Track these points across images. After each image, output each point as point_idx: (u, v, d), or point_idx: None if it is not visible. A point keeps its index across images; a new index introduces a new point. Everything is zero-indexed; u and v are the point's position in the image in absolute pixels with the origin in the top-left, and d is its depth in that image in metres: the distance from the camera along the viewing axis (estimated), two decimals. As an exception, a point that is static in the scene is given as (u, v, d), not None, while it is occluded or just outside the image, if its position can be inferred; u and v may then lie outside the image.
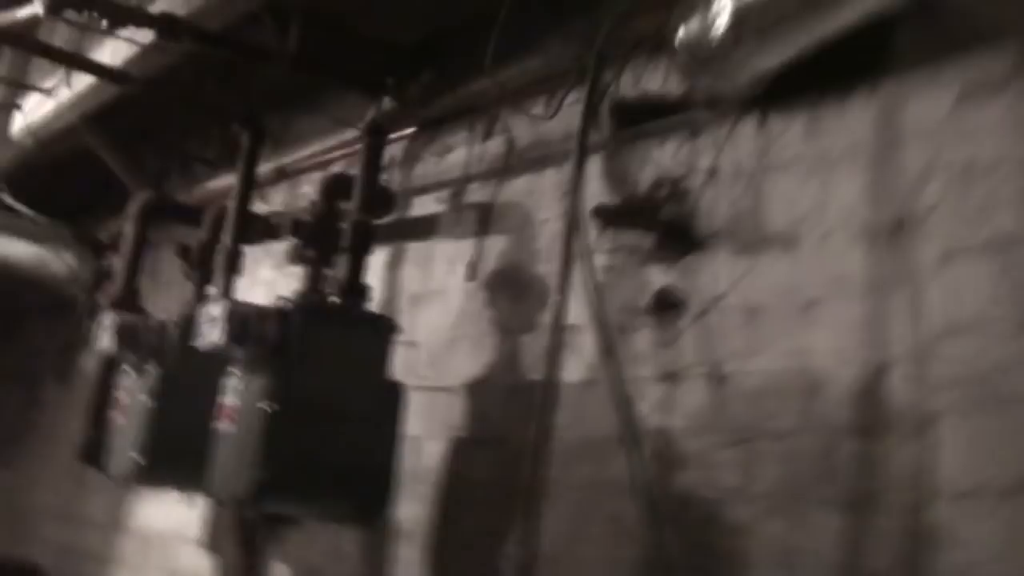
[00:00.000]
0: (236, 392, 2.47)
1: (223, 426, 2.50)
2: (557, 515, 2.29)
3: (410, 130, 3.06)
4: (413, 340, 2.89)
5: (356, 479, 2.42)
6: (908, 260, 1.78)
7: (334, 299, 2.55)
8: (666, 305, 2.24)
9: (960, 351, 1.64)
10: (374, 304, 3.00)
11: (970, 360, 1.62)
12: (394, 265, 3.07)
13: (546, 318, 2.50)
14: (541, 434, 2.15)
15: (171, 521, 3.81)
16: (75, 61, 3.25)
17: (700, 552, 2.02)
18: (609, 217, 2.23)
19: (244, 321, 2.43)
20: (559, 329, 2.20)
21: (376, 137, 2.69)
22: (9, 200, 4.36)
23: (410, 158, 3.11)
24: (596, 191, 2.37)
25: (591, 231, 2.30)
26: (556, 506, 2.30)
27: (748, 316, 2.06)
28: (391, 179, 3.07)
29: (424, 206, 3.03)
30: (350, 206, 2.65)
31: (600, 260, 2.38)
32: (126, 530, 4.10)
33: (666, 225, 2.22)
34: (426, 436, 2.76)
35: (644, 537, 2.11)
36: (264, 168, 3.39)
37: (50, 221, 4.48)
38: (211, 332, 2.46)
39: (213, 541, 3.53)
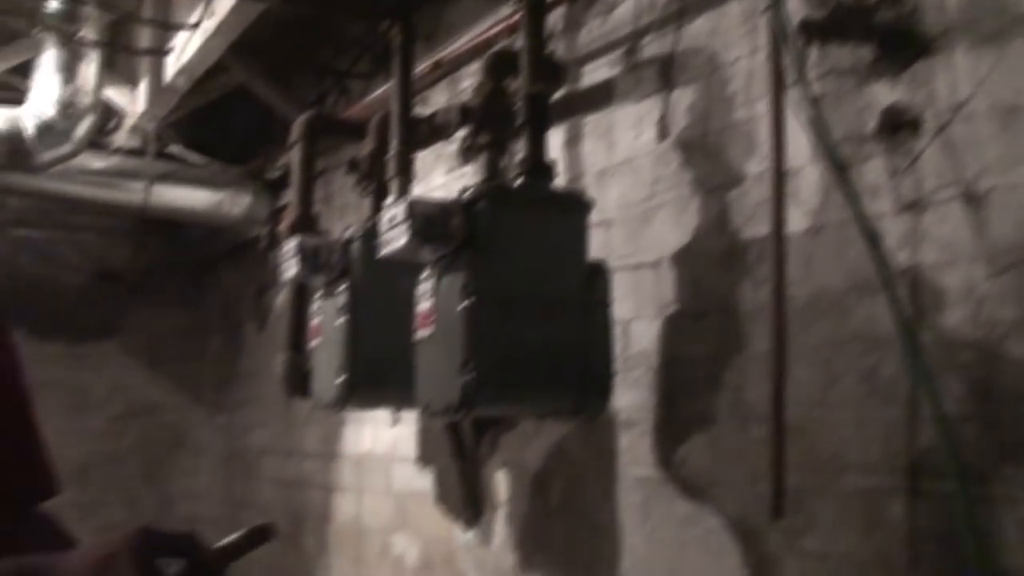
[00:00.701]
0: (431, 295, 2.32)
1: (422, 333, 2.36)
2: (796, 382, 2.05)
3: (568, -6, 2.82)
4: (607, 218, 2.67)
5: (570, 370, 2.24)
6: None
7: (518, 183, 2.34)
8: (897, 125, 1.94)
9: None
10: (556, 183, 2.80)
11: None
12: (573, 143, 2.84)
13: (752, 167, 2.25)
14: (778, 289, 1.89)
15: (382, 443, 3.76)
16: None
17: (978, 398, 1.75)
18: (818, 31, 1.93)
19: (428, 218, 2.26)
20: (780, 172, 1.93)
21: (535, 1, 2.45)
22: (178, 149, 4.34)
23: (572, 25, 2.86)
24: (793, 8, 2.06)
25: (797, 54, 2.01)
26: (793, 372, 2.06)
27: (1003, 119, 1.75)
28: (556, 51, 2.83)
29: (596, 73, 2.78)
30: (518, 82, 2.43)
31: (812, 87, 2.09)
32: (341, 456, 4.10)
33: (884, 31, 1.91)
34: (635, 317, 2.56)
35: (905, 392, 1.85)
36: (420, 68, 3.22)
37: (221, 165, 4.46)
38: (395, 237, 2.30)
39: (426, 456, 3.45)
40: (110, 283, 5.71)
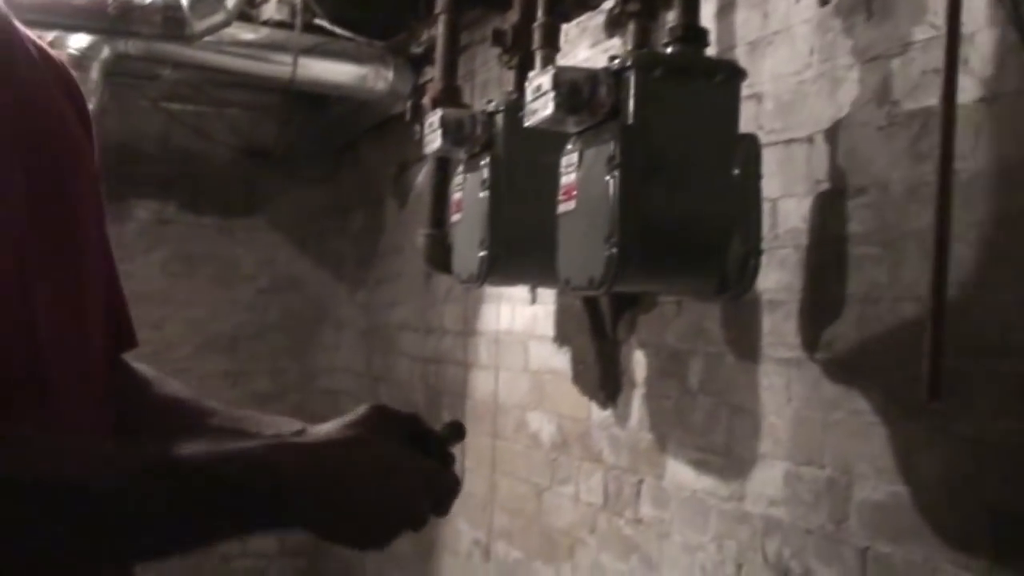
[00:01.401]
0: (576, 168, 2.28)
1: (565, 206, 2.33)
2: (957, 261, 1.95)
3: None
4: (757, 92, 2.57)
5: (717, 247, 2.18)
6: None
7: (668, 51, 2.26)
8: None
9: None
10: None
11: None
12: (724, 12, 2.73)
13: (919, 33, 2.11)
14: (945, 164, 1.79)
15: (520, 321, 3.78)
16: None
17: None
18: None
19: (574, 86, 2.21)
20: (955, 35, 1.80)
21: None
22: (325, 23, 4.35)
23: None
24: None
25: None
26: (958, 252, 1.96)
27: None
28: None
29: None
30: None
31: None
32: (479, 334, 4.15)
33: None
34: (783, 195, 2.47)
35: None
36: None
37: (366, 39, 4.46)
38: (540, 106, 2.26)
39: (564, 335, 3.46)
40: (257, 159, 5.85)
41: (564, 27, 3.12)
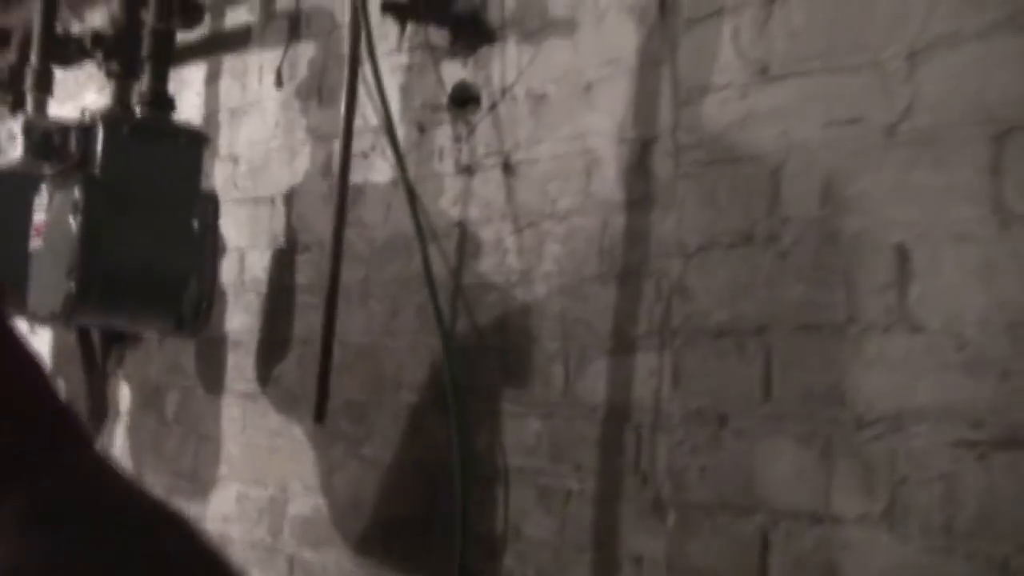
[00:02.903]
0: (45, 208, 2.46)
1: (36, 243, 2.49)
2: (369, 313, 2.37)
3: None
4: (234, 153, 2.89)
5: (173, 290, 2.45)
6: (669, 34, 1.84)
7: (137, 113, 2.51)
8: (463, 100, 2.27)
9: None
10: (194, 117, 2.98)
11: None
12: (212, 80, 3.03)
13: (359, 120, 2.53)
14: (338, 232, 2.19)
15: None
16: None
17: (496, 331, 2.12)
18: (400, 12, 2.23)
19: (45, 135, 2.39)
20: (349, 132, 2.22)
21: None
22: None
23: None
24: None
25: (386, 29, 2.31)
26: (368, 303, 2.38)
27: (534, 104, 2.12)
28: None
29: (237, 17, 2.97)
30: (149, 16, 2.59)
31: (402, 59, 2.40)
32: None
33: (458, 18, 2.23)
34: (249, 247, 2.80)
35: (447, 322, 2.21)
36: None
37: None
38: (13, 149, 2.42)
39: (59, 366, 3.54)
40: None
41: (75, 70, 3.26)
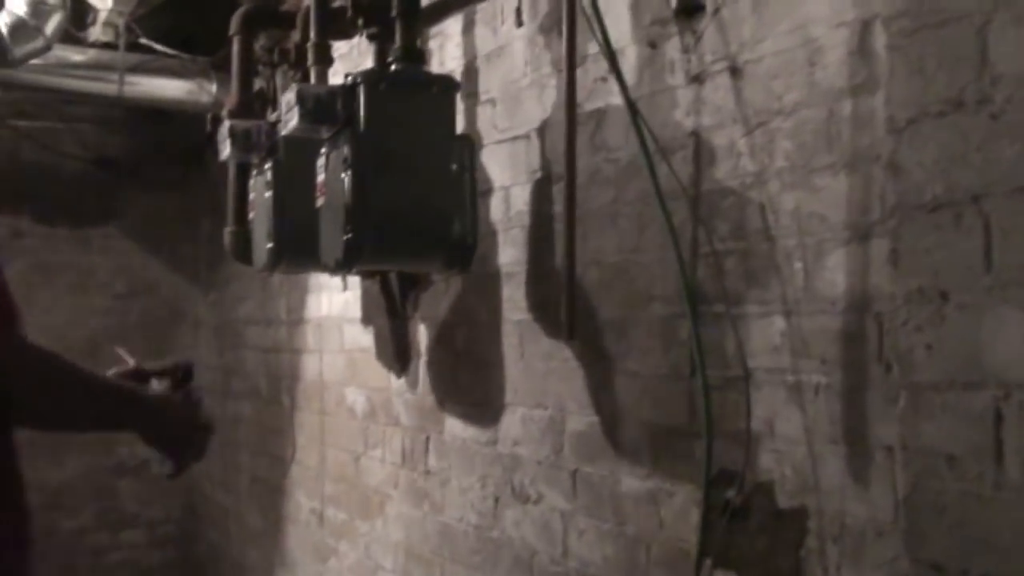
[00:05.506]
0: (323, 168, 2.71)
1: (319, 202, 2.75)
2: (620, 232, 2.45)
3: None
4: (492, 96, 3.03)
5: (439, 231, 2.63)
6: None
7: (392, 68, 2.70)
8: (689, 9, 2.27)
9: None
10: (456, 67, 3.16)
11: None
12: (468, 29, 3.18)
13: (592, 48, 2.59)
14: (570, 159, 2.27)
15: (335, 307, 4.20)
16: None
17: (735, 236, 2.13)
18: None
19: (316, 100, 2.63)
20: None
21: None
22: (147, 41, 4.69)
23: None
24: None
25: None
26: (619, 223, 2.45)
27: (755, 2, 2.08)
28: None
29: (485, -35, 3.10)
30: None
31: (629, -20, 2.43)
32: (305, 322, 4.55)
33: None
34: (512, 184, 2.94)
35: (688, 233, 2.23)
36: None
37: (189, 56, 4.81)
38: (290, 118, 2.68)
39: (368, 316, 3.89)
40: (107, 170, 6.15)
41: (356, 40, 3.54)
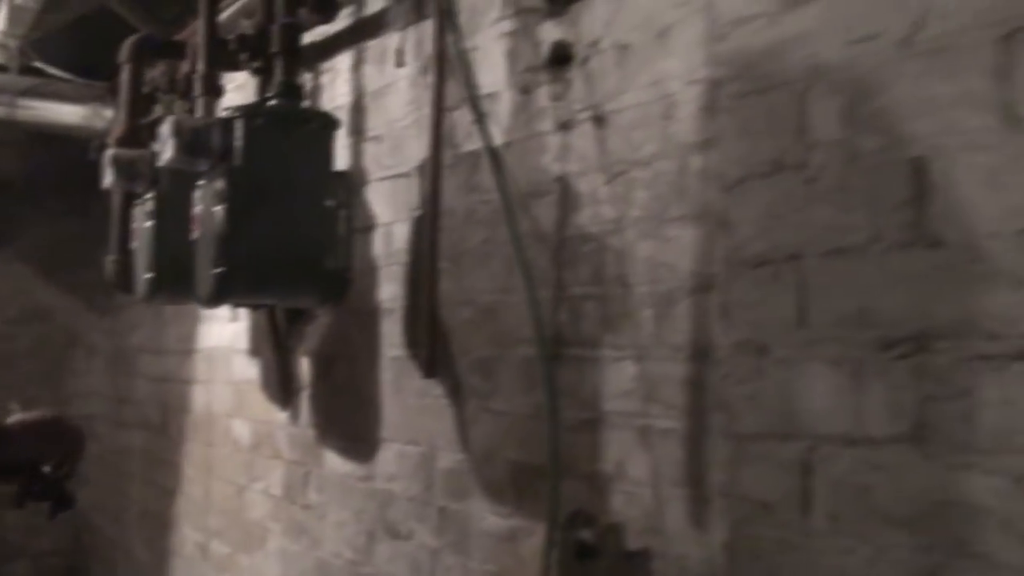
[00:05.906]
0: (200, 200, 2.70)
1: (195, 233, 2.74)
2: (491, 272, 2.48)
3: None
4: (378, 134, 3.06)
5: (309, 266, 2.64)
6: (722, -29, 1.83)
7: (270, 103, 2.71)
8: (560, 59, 2.33)
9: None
10: (344, 103, 3.18)
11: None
12: (357, 66, 3.20)
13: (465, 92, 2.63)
14: (434, 200, 2.30)
15: (225, 337, 4.16)
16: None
17: (594, 281, 2.17)
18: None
19: (193, 133, 2.63)
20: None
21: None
22: (42, 65, 4.63)
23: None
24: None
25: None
26: (490, 263, 2.48)
27: (619, 55, 2.14)
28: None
29: (377, 3, 3.13)
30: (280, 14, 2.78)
31: (506, 26, 2.48)
32: (195, 351, 4.50)
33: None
34: (395, 221, 2.96)
35: (552, 276, 2.28)
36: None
37: (85, 81, 4.76)
38: (166, 149, 2.67)
39: (255, 347, 3.86)
40: (2, 193, 6.02)
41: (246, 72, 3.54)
